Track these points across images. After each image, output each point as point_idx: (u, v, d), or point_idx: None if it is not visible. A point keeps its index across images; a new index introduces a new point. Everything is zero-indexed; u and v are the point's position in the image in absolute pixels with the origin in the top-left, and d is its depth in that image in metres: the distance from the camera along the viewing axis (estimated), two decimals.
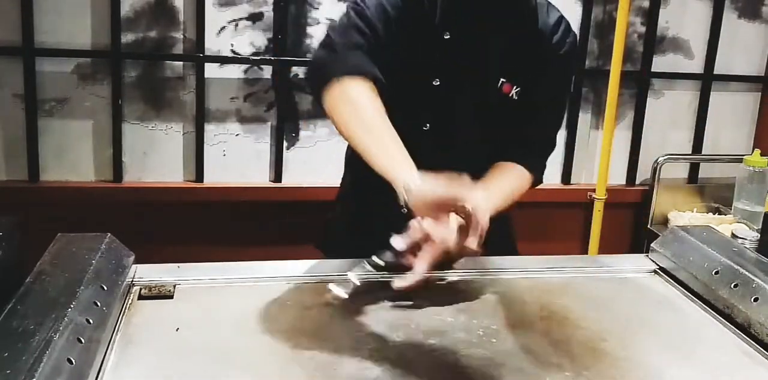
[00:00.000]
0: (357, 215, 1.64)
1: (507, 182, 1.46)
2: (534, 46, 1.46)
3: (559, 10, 1.50)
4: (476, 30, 1.44)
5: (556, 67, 1.50)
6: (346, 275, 1.22)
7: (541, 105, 1.51)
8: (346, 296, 1.19)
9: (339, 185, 1.72)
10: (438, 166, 1.34)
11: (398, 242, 1.19)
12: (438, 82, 1.44)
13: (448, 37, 1.42)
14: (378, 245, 1.33)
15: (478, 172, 1.44)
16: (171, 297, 1.21)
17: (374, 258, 1.22)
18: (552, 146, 1.58)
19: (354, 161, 1.63)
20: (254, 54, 2.53)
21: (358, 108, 1.27)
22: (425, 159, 1.34)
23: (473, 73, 1.45)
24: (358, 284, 1.20)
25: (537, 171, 1.53)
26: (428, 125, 1.48)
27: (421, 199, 1.16)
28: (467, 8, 1.43)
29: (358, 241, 1.33)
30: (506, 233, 1.68)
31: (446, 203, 1.16)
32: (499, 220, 1.63)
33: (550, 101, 1.54)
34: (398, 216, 1.26)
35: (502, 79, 1.45)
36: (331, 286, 1.21)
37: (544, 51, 1.46)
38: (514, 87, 1.45)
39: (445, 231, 1.17)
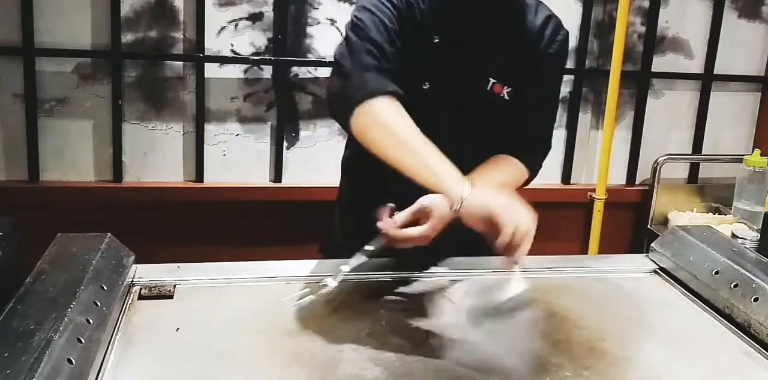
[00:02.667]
0: (355, 219, 1.63)
1: (501, 171, 1.44)
2: (522, 46, 1.46)
3: (549, 10, 1.50)
4: (464, 33, 1.44)
5: (546, 66, 1.49)
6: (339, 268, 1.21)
7: (532, 105, 1.50)
8: (335, 285, 1.18)
9: (338, 187, 1.71)
10: None
11: (387, 221, 1.20)
12: (428, 86, 1.44)
13: (437, 41, 1.42)
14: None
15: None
16: (171, 297, 1.21)
17: (365, 247, 1.22)
18: (547, 145, 1.57)
19: (350, 167, 1.63)
20: (254, 54, 2.53)
21: (392, 129, 1.25)
22: None
23: (463, 76, 1.45)
24: (347, 271, 1.20)
25: (532, 165, 1.51)
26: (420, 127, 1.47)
27: (474, 211, 1.15)
28: (455, 12, 1.43)
29: (356, 245, 1.33)
30: None
31: (494, 216, 1.14)
32: None
33: (542, 101, 1.53)
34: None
35: (492, 80, 1.44)
36: (327, 280, 1.20)
37: (533, 51, 1.46)
38: (505, 87, 1.45)
39: (445, 210, 1.17)
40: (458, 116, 1.47)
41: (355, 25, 1.39)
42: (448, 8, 1.42)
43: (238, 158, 2.60)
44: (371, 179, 1.49)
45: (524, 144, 1.51)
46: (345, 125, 1.32)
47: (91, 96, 2.45)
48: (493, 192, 1.20)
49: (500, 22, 1.46)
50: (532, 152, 1.53)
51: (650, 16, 2.77)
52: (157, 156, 2.54)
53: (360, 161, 1.55)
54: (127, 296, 1.19)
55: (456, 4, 1.43)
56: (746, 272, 1.23)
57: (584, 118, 2.81)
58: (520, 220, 1.13)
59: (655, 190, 2.83)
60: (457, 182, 1.19)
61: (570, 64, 2.68)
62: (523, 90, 1.47)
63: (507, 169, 1.46)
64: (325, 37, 2.55)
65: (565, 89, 2.71)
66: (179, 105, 2.52)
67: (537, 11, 1.48)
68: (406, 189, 1.22)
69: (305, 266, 1.35)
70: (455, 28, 1.43)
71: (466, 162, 1.47)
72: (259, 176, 2.62)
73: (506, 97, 1.46)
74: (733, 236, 2.34)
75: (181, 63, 2.49)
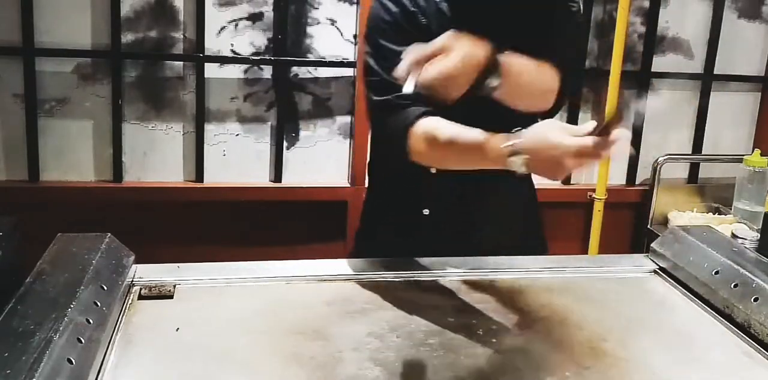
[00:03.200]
0: (387, 219, 1.62)
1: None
2: (550, 26, 1.40)
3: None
4: (489, 22, 1.40)
5: (570, 26, 1.46)
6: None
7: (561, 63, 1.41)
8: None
9: (366, 193, 1.69)
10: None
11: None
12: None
13: None
14: (408, 247, 1.36)
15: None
16: (171, 297, 1.21)
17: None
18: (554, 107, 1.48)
19: (377, 169, 1.62)
20: (254, 54, 2.53)
21: (437, 135, 1.27)
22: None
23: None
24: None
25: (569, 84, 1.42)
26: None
27: (529, 140, 1.13)
28: (460, 28, 1.40)
29: (390, 245, 1.33)
30: (537, 225, 1.66)
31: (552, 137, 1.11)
32: (531, 214, 1.63)
33: (569, 60, 1.46)
34: (423, 219, 1.26)
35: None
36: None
37: (558, 16, 1.42)
38: None
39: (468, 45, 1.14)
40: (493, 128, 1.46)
41: (366, 72, 1.39)
42: (453, 25, 1.38)
43: (238, 158, 2.60)
44: (398, 181, 1.52)
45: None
46: (403, 151, 1.32)
47: (91, 96, 2.45)
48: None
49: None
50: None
51: (650, 16, 2.77)
52: (157, 156, 2.54)
53: (382, 166, 1.57)
54: (127, 296, 1.19)
55: (462, 22, 1.39)
56: (746, 272, 1.23)
57: (584, 118, 2.80)
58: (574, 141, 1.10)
59: (655, 190, 2.83)
60: (495, 141, 1.17)
61: None
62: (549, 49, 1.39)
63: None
64: (325, 37, 2.55)
65: None
66: (179, 105, 2.52)
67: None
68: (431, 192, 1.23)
69: (305, 266, 1.35)
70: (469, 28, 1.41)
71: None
72: (259, 176, 2.63)
73: None
74: (733, 236, 2.34)
75: (181, 63, 2.49)
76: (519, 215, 1.59)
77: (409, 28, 1.37)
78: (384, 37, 1.37)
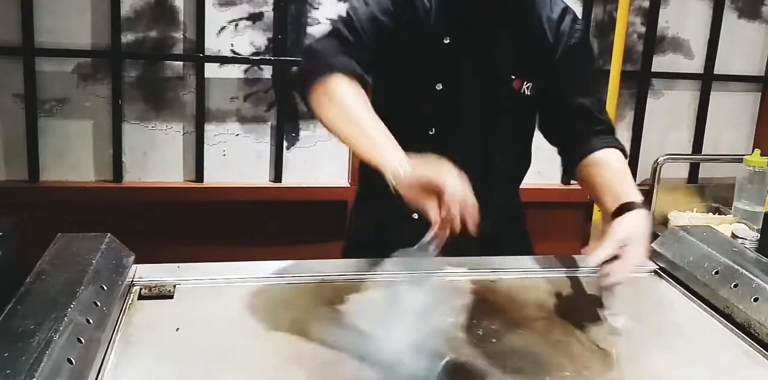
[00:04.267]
0: (374, 221, 1.62)
1: (621, 175, 1.40)
2: (540, 39, 1.45)
3: (564, 2, 1.49)
4: (476, 31, 1.44)
5: (571, 57, 1.47)
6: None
7: (581, 97, 1.47)
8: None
9: (340, 187, 1.71)
10: None
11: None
12: (441, 87, 1.44)
13: (448, 41, 1.42)
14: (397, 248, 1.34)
15: (485, 175, 1.45)
16: (171, 297, 1.21)
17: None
18: (612, 126, 1.52)
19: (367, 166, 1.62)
20: (254, 54, 2.53)
21: (340, 103, 1.28)
22: None
23: (479, 75, 1.45)
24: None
25: (621, 147, 1.47)
26: (433, 129, 1.47)
27: (409, 182, 1.14)
28: (464, 11, 1.43)
29: (378, 247, 1.33)
30: (521, 231, 1.67)
31: (432, 187, 1.13)
32: (515, 218, 1.63)
33: (587, 91, 1.50)
34: (413, 220, 1.25)
35: (511, 76, 1.44)
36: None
37: (554, 44, 1.45)
38: (525, 83, 1.44)
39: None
40: (482, 115, 1.47)
41: (346, 13, 1.41)
42: (457, 8, 1.42)
43: (238, 158, 2.60)
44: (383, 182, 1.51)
45: (600, 133, 1.47)
46: (307, 104, 1.35)
47: (91, 96, 2.46)
48: (427, 163, 1.15)
49: (513, 19, 1.45)
50: (611, 137, 1.49)
51: (650, 16, 2.77)
52: (157, 156, 2.54)
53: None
54: (127, 296, 1.19)
55: (465, 3, 1.43)
56: (746, 272, 1.23)
57: None
58: (456, 187, 1.11)
59: (655, 190, 2.83)
60: (393, 154, 1.18)
61: None
62: (559, 83, 1.45)
63: (616, 167, 1.42)
64: None
65: None
66: (179, 105, 2.52)
67: (552, 4, 1.47)
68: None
69: (305, 266, 1.34)
70: (466, 28, 1.43)
71: (497, 160, 1.51)
72: (259, 176, 2.63)
73: (527, 92, 1.45)
74: (733, 236, 2.34)
75: (181, 63, 2.50)
76: (506, 216, 1.59)
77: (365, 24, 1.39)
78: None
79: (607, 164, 1.42)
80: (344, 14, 1.41)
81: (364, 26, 1.38)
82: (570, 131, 1.49)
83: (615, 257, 1.20)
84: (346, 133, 1.26)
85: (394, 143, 1.22)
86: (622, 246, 1.21)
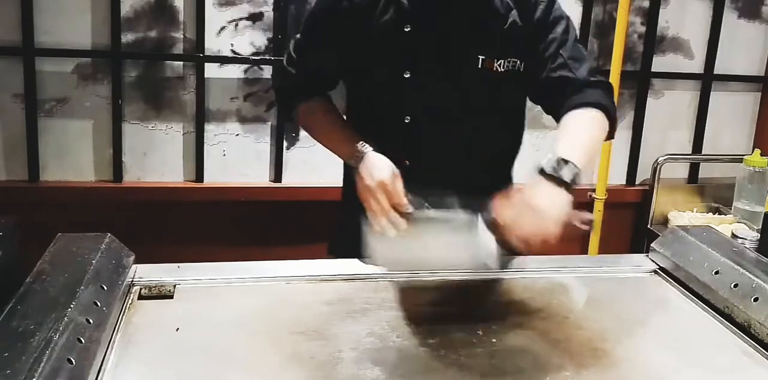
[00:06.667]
0: (361, 217, 1.62)
1: (576, 132, 1.34)
2: (504, 18, 1.42)
3: None
4: (435, 17, 1.43)
5: (541, 32, 1.44)
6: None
7: (556, 71, 1.43)
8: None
9: (341, 186, 1.71)
10: (422, 155, 1.47)
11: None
12: (409, 75, 1.44)
13: (408, 29, 1.42)
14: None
15: (470, 158, 1.51)
16: (171, 297, 1.21)
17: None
18: (600, 82, 1.45)
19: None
20: (254, 54, 2.53)
21: (316, 117, 1.61)
22: (410, 151, 1.45)
23: (444, 59, 1.44)
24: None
25: (602, 104, 1.39)
26: (408, 117, 1.48)
27: (371, 167, 1.29)
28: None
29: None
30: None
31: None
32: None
33: (562, 64, 1.44)
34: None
35: (481, 57, 1.42)
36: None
37: (521, 21, 1.42)
38: (496, 60, 1.42)
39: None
40: (456, 98, 1.47)
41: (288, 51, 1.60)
42: None
43: (238, 158, 2.60)
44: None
45: (580, 91, 1.41)
46: (291, 119, 1.80)
47: (91, 96, 2.45)
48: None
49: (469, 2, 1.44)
50: (592, 92, 1.42)
51: (650, 16, 2.77)
52: (157, 156, 2.54)
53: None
54: (127, 296, 1.19)
55: None
56: (746, 272, 1.23)
57: None
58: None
59: (655, 190, 2.83)
60: (354, 143, 1.38)
61: None
62: (536, 58, 1.43)
63: (580, 126, 1.36)
64: None
65: None
66: (179, 105, 2.52)
67: None
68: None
69: (305, 266, 1.35)
70: (425, 14, 1.43)
71: (482, 142, 1.52)
72: (259, 176, 2.62)
73: (500, 69, 1.43)
74: (733, 236, 2.34)
75: (181, 63, 2.49)
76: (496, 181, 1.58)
77: (337, 14, 1.46)
78: (315, 27, 1.53)
79: (564, 127, 1.36)
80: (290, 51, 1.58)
81: (304, 59, 1.56)
82: (552, 102, 1.46)
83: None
84: (320, 137, 1.62)
85: (353, 135, 1.43)
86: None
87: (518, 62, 1.44)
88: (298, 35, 1.58)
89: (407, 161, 1.42)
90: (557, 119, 1.41)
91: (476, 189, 1.20)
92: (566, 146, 1.27)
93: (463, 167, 1.52)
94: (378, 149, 1.37)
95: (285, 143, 2.61)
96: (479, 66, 1.43)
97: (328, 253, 1.68)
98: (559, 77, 1.43)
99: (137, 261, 1.27)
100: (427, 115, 1.48)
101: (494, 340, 1.11)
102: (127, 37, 2.43)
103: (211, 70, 2.50)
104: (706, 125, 2.92)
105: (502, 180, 1.61)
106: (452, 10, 1.44)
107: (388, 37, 1.43)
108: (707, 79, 2.88)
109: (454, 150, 1.52)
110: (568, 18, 1.48)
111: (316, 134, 1.63)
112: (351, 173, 1.62)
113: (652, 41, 2.78)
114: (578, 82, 1.42)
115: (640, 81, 2.82)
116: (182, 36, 2.47)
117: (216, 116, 2.55)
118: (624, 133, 2.85)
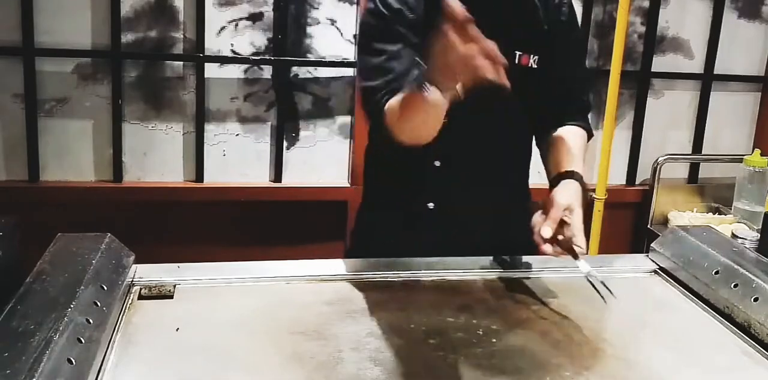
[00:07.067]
0: (384, 216, 1.62)
1: (571, 151, 1.45)
2: (532, 12, 1.46)
3: None
4: (478, 12, 1.43)
5: (563, 33, 1.50)
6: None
7: (564, 73, 1.51)
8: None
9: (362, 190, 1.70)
10: (450, 199, 1.48)
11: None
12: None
13: None
14: (410, 242, 1.38)
15: (502, 155, 1.53)
16: (171, 297, 1.21)
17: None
18: (588, 105, 1.58)
19: (376, 164, 1.61)
20: (254, 54, 2.53)
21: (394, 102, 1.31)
22: (436, 195, 1.48)
23: None
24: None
25: (587, 127, 1.53)
26: (438, 162, 1.48)
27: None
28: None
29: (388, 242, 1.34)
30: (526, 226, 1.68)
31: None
32: (521, 215, 1.64)
33: (572, 66, 1.55)
34: (426, 212, 1.26)
35: (518, 53, 1.44)
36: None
37: (547, 19, 1.47)
38: (532, 56, 1.45)
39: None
40: (500, 123, 1.48)
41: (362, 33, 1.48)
42: None
43: (238, 158, 2.60)
44: (397, 176, 1.54)
45: (571, 111, 1.52)
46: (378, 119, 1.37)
47: (91, 96, 2.45)
48: None
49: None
50: (582, 117, 1.54)
51: (650, 16, 2.77)
52: (157, 156, 2.54)
53: (381, 159, 1.58)
54: (127, 296, 1.19)
55: None
56: (746, 272, 1.23)
57: None
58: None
59: (655, 190, 2.83)
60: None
61: None
62: (550, 57, 1.47)
63: (574, 142, 1.47)
64: (325, 38, 2.55)
65: None
66: (179, 105, 2.52)
67: None
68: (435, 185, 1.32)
69: (305, 266, 1.35)
70: (470, 10, 1.42)
71: (516, 137, 1.54)
72: (259, 176, 2.63)
73: (534, 65, 1.45)
74: (733, 236, 2.34)
75: (181, 63, 2.50)
76: (519, 209, 1.59)
77: (397, 26, 1.40)
78: (375, 39, 1.40)
79: (563, 140, 1.46)
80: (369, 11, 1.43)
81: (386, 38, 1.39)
82: (547, 103, 1.49)
83: (561, 224, 1.25)
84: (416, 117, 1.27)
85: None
86: (565, 211, 1.25)
87: (544, 58, 1.47)
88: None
89: (431, 204, 1.47)
90: (547, 126, 1.49)
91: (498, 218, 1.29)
92: (572, 162, 1.40)
93: (489, 205, 1.53)
94: (397, 191, 1.43)
95: (285, 143, 2.61)
96: (516, 62, 1.43)
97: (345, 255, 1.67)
98: (563, 80, 1.49)
99: (137, 261, 1.26)
100: (460, 157, 1.47)
101: (494, 340, 1.11)
102: (127, 37, 2.43)
103: (211, 70, 2.50)
104: (706, 125, 2.92)
105: (523, 177, 1.64)
106: (493, 4, 1.41)
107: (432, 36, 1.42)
108: (707, 79, 2.88)
109: (485, 191, 1.52)
110: (578, 22, 1.56)
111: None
112: (377, 175, 1.62)
113: (652, 41, 2.79)
114: (573, 94, 1.53)
115: (640, 81, 2.82)
116: (182, 36, 2.47)
117: (216, 116, 2.55)
118: (624, 133, 2.86)
